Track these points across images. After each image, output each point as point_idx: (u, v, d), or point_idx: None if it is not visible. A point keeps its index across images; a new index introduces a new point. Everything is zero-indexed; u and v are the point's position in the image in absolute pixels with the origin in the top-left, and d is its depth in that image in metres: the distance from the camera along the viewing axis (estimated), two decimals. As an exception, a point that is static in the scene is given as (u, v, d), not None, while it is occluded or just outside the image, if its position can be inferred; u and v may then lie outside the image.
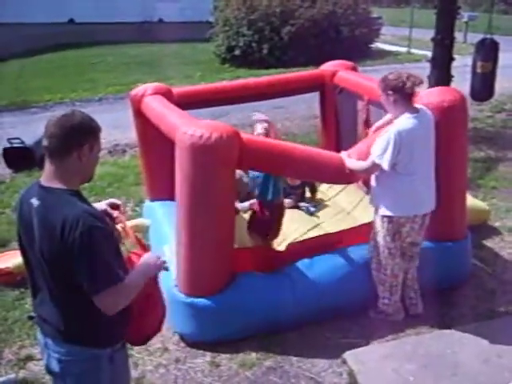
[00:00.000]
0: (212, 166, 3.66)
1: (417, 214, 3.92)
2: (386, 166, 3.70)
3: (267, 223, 4.43)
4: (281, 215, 4.49)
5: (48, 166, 2.27)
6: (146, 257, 2.45)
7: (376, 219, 4.00)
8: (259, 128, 4.53)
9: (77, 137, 2.24)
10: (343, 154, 3.96)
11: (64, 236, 2.13)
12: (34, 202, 2.25)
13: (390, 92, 3.74)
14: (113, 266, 2.21)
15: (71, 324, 2.30)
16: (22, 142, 7.85)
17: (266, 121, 4.55)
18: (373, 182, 3.99)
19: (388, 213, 3.88)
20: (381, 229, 3.95)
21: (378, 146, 3.73)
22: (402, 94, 3.71)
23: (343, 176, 3.98)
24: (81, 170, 2.30)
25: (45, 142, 2.24)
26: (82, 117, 2.27)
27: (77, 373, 2.36)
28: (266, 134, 4.43)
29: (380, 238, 3.98)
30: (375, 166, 3.76)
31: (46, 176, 2.28)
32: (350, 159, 3.89)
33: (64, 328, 2.30)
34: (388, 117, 4.06)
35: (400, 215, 3.88)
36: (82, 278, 2.16)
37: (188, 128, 3.67)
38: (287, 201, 5.26)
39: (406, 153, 3.69)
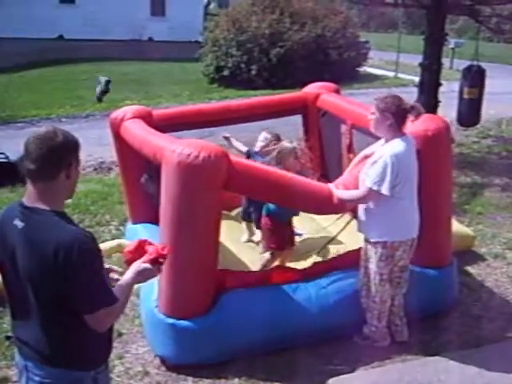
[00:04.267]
0: (198, 186, 3.61)
1: (410, 237, 3.89)
2: (385, 191, 3.65)
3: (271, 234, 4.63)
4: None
5: (32, 187, 2.18)
6: (137, 270, 2.32)
7: (367, 246, 3.95)
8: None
9: (64, 157, 2.17)
10: (331, 186, 3.94)
11: (58, 261, 2.07)
12: (18, 223, 2.17)
13: (389, 115, 3.72)
14: (108, 287, 2.19)
15: (56, 347, 2.23)
16: (7, 157, 7.72)
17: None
18: (362, 209, 3.93)
19: (383, 239, 3.84)
20: (373, 255, 3.89)
21: (373, 173, 3.68)
22: (400, 120, 3.72)
23: (331, 206, 3.93)
24: (68, 188, 2.25)
25: (30, 166, 2.12)
26: (64, 134, 2.18)
27: None
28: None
29: (372, 265, 3.92)
30: (372, 194, 3.71)
31: (30, 197, 2.19)
32: (340, 190, 3.86)
33: (48, 351, 2.22)
34: (373, 147, 4.02)
35: (395, 240, 3.84)
36: (77, 299, 2.13)
37: (176, 146, 3.64)
38: None
39: (403, 176, 3.68)
